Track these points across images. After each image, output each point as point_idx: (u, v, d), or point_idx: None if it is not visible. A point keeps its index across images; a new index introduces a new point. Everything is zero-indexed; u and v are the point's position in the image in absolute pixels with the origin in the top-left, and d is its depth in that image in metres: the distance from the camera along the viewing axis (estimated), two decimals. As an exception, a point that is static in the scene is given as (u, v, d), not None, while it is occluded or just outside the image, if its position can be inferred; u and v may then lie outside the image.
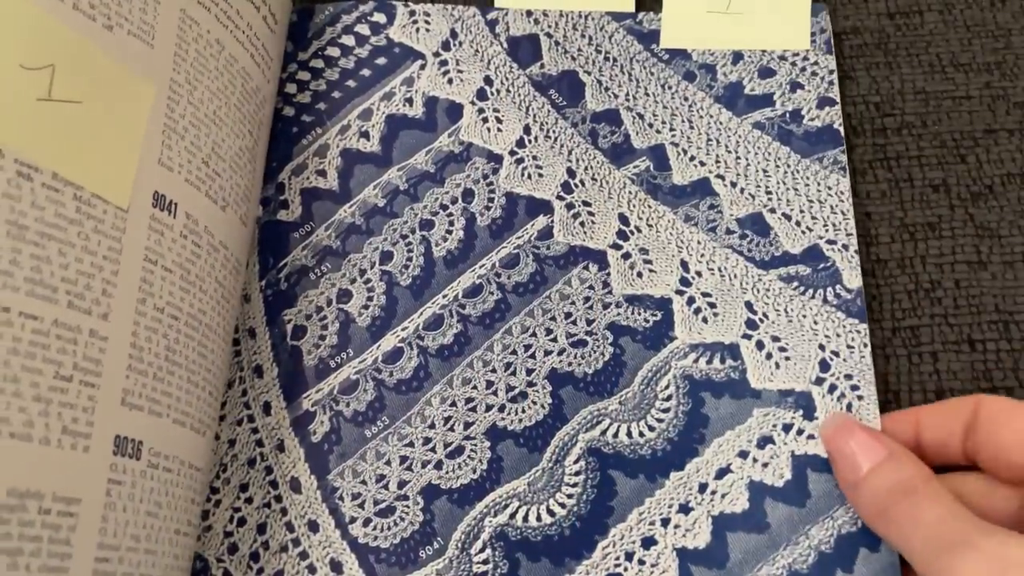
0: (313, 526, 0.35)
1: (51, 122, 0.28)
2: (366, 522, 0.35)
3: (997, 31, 0.41)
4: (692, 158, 0.39)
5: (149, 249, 0.31)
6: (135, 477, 0.30)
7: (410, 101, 0.41)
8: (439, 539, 0.34)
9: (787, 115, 0.39)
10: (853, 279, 0.36)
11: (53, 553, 0.27)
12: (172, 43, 0.33)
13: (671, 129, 0.40)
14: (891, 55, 0.41)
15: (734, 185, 0.38)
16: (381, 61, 0.42)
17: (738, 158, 0.39)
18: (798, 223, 0.38)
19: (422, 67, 0.41)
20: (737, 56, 0.41)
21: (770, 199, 0.38)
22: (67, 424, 0.27)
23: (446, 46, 0.42)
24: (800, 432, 0.34)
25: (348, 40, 0.42)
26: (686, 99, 0.40)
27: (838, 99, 0.39)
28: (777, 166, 0.39)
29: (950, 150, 0.39)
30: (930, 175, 0.39)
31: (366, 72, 0.42)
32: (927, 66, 0.41)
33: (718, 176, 0.39)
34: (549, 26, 0.42)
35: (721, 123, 0.40)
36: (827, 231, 0.37)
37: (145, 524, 0.30)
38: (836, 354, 0.35)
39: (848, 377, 0.35)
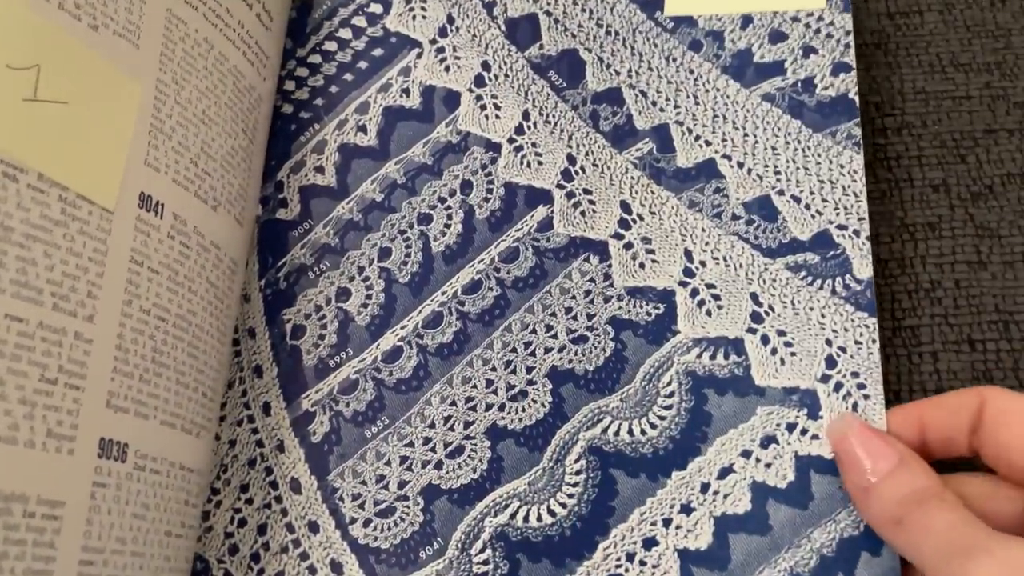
0: (313, 527, 0.34)
1: (37, 122, 0.28)
2: (366, 523, 0.34)
3: (997, 31, 0.41)
4: (697, 137, 0.38)
5: (135, 250, 0.31)
6: (120, 479, 0.30)
7: (407, 91, 0.40)
8: (439, 539, 0.34)
9: (799, 84, 0.38)
10: (863, 269, 0.35)
11: (37, 556, 0.27)
12: (158, 43, 0.33)
13: (675, 106, 0.39)
14: (891, 55, 0.41)
15: (741, 166, 0.37)
16: (378, 52, 0.41)
17: (746, 135, 0.38)
18: (808, 206, 0.36)
19: (419, 56, 0.41)
20: (746, 20, 0.39)
21: (779, 180, 0.37)
22: (52, 427, 0.27)
23: (443, 32, 0.41)
24: (804, 432, 0.34)
25: (345, 33, 0.41)
26: (691, 71, 0.39)
27: (854, 63, 0.38)
28: (787, 143, 0.37)
29: (950, 150, 0.39)
30: (930, 175, 0.39)
31: (363, 64, 0.41)
32: (927, 66, 0.41)
33: (724, 156, 0.38)
34: (548, 3, 0.41)
35: (728, 97, 0.38)
36: (838, 215, 0.36)
37: (132, 526, 0.30)
38: (843, 350, 0.35)
39: (855, 375, 0.34)
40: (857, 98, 0.37)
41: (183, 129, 0.33)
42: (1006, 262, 0.38)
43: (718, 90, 0.39)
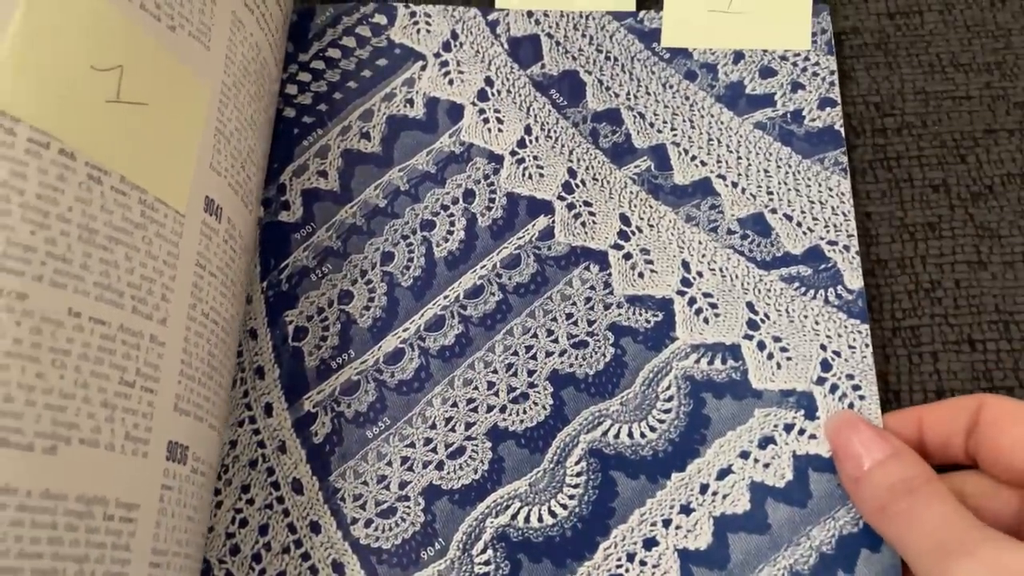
0: (315, 527, 0.35)
1: (118, 124, 0.28)
2: (368, 523, 0.35)
3: (997, 31, 0.41)
4: (693, 158, 0.39)
5: (200, 254, 0.31)
6: (181, 482, 0.30)
7: (411, 102, 0.41)
8: (440, 540, 0.34)
9: (788, 115, 0.39)
10: (854, 280, 0.36)
11: (115, 559, 0.27)
12: (224, 45, 0.33)
13: (672, 129, 0.40)
14: (891, 55, 0.41)
15: (735, 185, 0.38)
16: (382, 62, 0.42)
17: (739, 158, 0.39)
18: (799, 224, 0.38)
19: (423, 68, 0.41)
20: (738, 55, 0.41)
21: (771, 199, 0.38)
22: (129, 430, 0.27)
23: (447, 47, 0.42)
24: (802, 432, 0.34)
25: (349, 41, 0.42)
26: (687, 98, 0.40)
27: (839, 100, 0.39)
28: (778, 166, 0.39)
29: (950, 150, 0.39)
30: (930, 175, 0.39)
31: (367, 73, 0.42)
32: (927, 66, 0.41)
33: (719, 176, 0.39)
34: (550, 26, 0.42)
35: (722, 123, 0.40)
36: (828, 232, 0.37)
37: (186, 529, 0.30)
38: (838, 354, 0.35)
39: (850, 377, 0.35)
40: (843, 130, 0.39)
41: (238, 133, 0.33)
42: (1006, 262, 0.37)
43: (712, 116, 0.40)
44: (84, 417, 0.26)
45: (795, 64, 0.40)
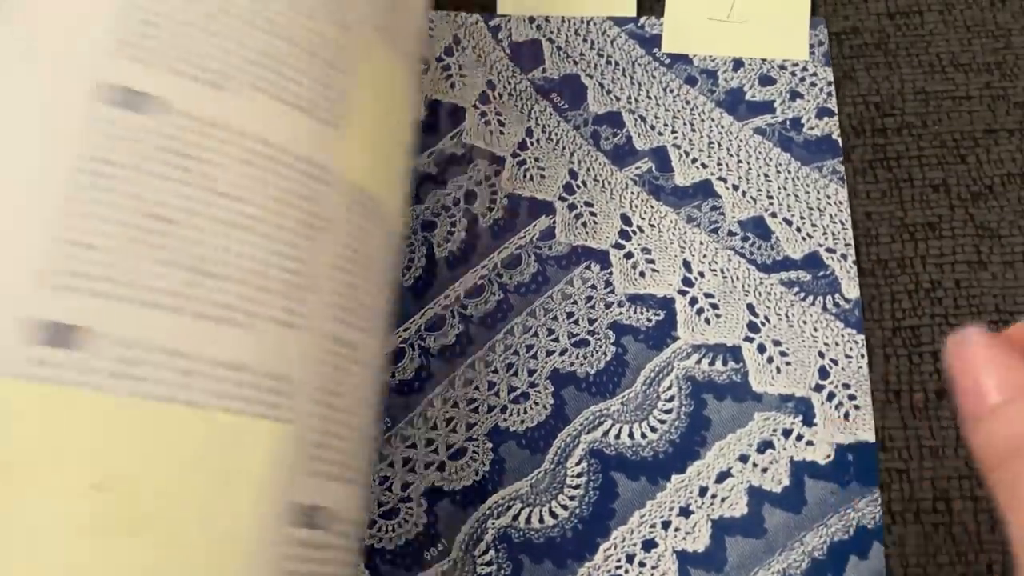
0: (317, 527, 0.35)
1: (392, 164, 0.29)
2: (371, 524, 0.35)
3: (997, 31, 0.41)
4: (694, 160, 0.39)
5: None
6: None
7: (412, 105, 0.41)
8: (443, 541, 0.34)
9: (787, 122, 0.40)
10: (851, 289, 0.37)
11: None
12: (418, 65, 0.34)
13: (673, 131, 0.40)
14: (891, 55, 0.41)
15: (736, 188, 0.39)
16: (383, 66, 0.42)
17: (739, 162, 0.39)
18: (798, 229, 0.38)
19: (424, 71, 0.42)
20: (738, 63, 0.41)
21: (771, 203, 0.38)
22: (369, 454, 0.28)
23: (449, 51, 0.42)
24: (799, 438, 0.35)
25: (350, 46, 0.42)
26: (688, 102, 0.40)
27: (836, 110, 0.40)
28: (778, 171, 0.39)
29: (950, 150, 0.39)
30: (930, 175, 0.39)
31: (368, 77, 0.42)
32: (927, 66, 0.41)
33: (720, 179, 0.39)
34: (551, 32, 0.42)
35: (723, 127, 0.40)
36: (826, 239, 0.38)
37: None
38: (835, 362, 0.36)
39: (846, 386, 0.35)
40: (840, 140, 0.39)
41: None
42: (1006, 262, 0.37)
43: (713, 120, 0.40)
44: (334, 439, 0.26)
45: (793, 74, 0.41)
